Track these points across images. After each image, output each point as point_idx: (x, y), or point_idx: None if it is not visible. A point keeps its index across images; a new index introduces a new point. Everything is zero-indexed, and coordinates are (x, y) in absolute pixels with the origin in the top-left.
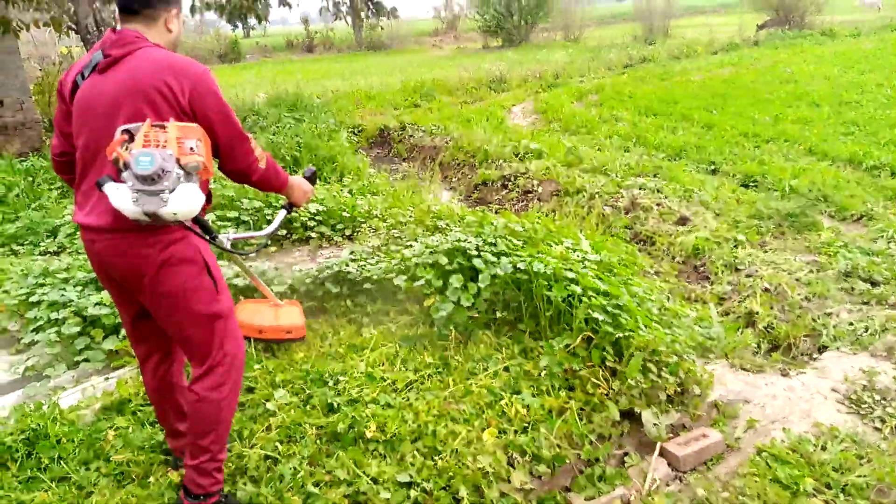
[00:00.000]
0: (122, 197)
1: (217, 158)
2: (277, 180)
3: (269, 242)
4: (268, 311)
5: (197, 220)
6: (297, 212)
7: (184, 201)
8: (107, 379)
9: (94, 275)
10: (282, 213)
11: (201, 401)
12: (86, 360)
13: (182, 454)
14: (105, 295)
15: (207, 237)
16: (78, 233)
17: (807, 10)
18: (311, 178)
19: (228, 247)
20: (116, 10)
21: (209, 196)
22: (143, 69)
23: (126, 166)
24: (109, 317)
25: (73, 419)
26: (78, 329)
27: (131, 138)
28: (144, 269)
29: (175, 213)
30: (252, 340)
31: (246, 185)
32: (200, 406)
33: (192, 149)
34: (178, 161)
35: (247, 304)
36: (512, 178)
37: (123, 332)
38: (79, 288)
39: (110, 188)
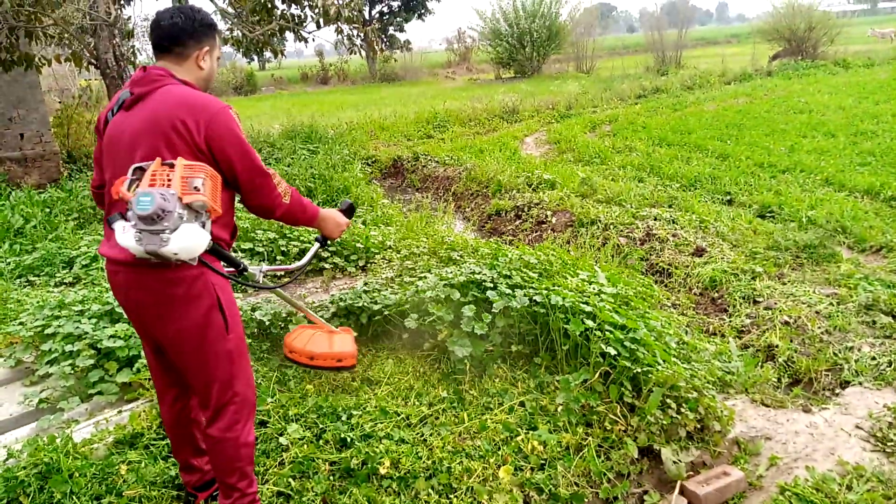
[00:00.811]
0: (127, 236)
1: (239, 194)
2: (304, 215)
3: (301, 275)
4: (321, 337)
5: (221, 254)
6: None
7: (185, 241)
8: (120, 412)
9: (108, 307)
10: (315, 247)
11: (218, 442)
12: (99, 392)
13: (194, 489)
14: (120, 327)
15: (236, 271)
16: (93, 264)
17: (819, 40)
18: (348, 211)
19: (261, 279)
20: (150, 46)
21: (234, 230)
22: (161, 107)
23: (129, 206)
24: (123, 349)
25: (86, 453)
26: (92, 362)
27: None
28: (158, 304)
29: (176, 254)
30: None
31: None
32: (219, 447)
33: (196, 188)
34: (180, 200)
35: (301, 329)
36: (525, 209)
37: (137, 364)
38: (94, 320)
39: (118, 226)
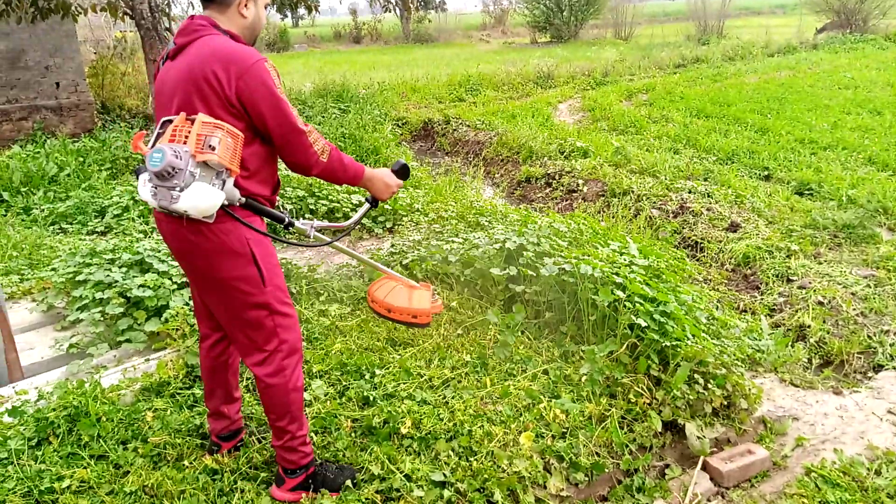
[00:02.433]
0: (145, 189)
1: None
2: (345, 174)
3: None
4: (402, 291)
5: (259, 209)
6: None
7: (194, 200)
8: (147, 360)
9: (139, 257)
10: (364, 207)
11: (268, 387)
12: (128, 340)
13: (219, 438)
14: (149, 277)
15: (282, 226)
16: (124, 214)
17: (870, 13)
18: (400, 172)
19: (312, 234)
20: None
21: (277, 185)
22: (196, 58)
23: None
24: (152, 299)
25: (114, 398)
26: (121, 310)
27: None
28: (194, 255)
29: (186, 211)
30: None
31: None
32: (269, 392)
33: (211, 146)
34: (194, 157)
35: (385, 280)
36: (556, 177)
37: (165, 314)
38: (124, 269)
39: (141, 178)
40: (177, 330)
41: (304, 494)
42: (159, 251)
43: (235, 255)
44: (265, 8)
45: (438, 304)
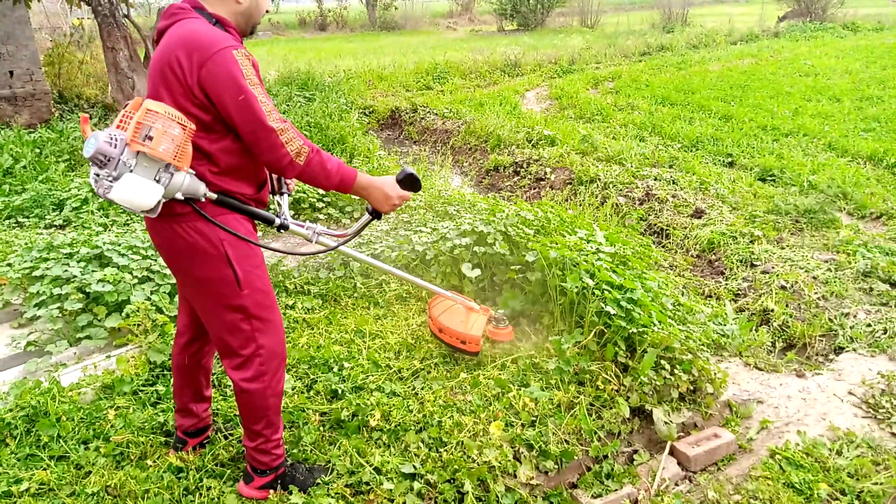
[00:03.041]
0: (91, 176)
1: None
2: (328, 180)
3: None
4: (457, 313)
5: (237, 208)
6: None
7: (125, 192)
8: (108, 357)
9: (97, 251)
10: (364, 218)
11: (244, 392)
12: (88, 337)
13: (185, 434)
14: (109, 272)
15: (273, 227)
16: (83, 207)
17: (829, 2)
18: (406, 182)
19: (315, 240)
20: None
21: (263, 183)
22: (168, 43)
23: None
24: (112, 294)
25: (74, 397)
26: (81, 306)
27: None
28: (169, 252)
29: (119, 202)
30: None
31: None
32: (243, 397)
33: (149, 136)
34: (128, 146)
35: (442, 299)
36: (524, 165)
37: (126, 310)
38: (82, 264)
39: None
40: (138, 325)
41: (270, 492)
42: (119, 245)
43: (207, 255)
44: None
45: (507, 331)
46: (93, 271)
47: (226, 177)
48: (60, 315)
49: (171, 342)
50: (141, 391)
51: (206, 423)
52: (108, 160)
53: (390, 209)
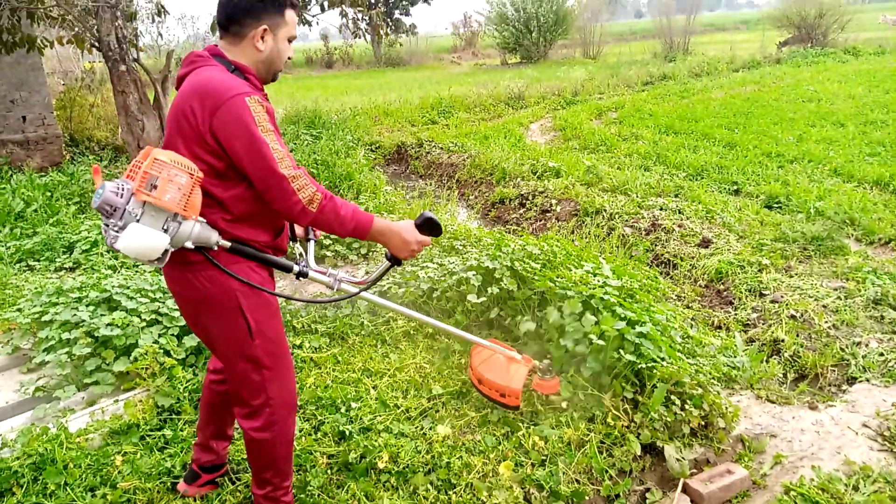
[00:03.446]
0: (102, 226)
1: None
2: (342, 227)
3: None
4: (497, 364)
5: (252, 256)
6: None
7: (130, 241)
8: (116, 402)
9: (106, 294)
10: (383, 265)
11: (253, 441)
12: (96, 382)
13: (201, 468)
14: (117, 315)
15: (294, 275)
16: (93, 249)
17: (829, 27)
18: (425, 226)
19: (336, 287)
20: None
21: (280, 230)
22: (184, 91)
23: None
24: (121, 338)
25: (81, 443)
26: (89, 350)
27: None
28: (186, 301)
29: (124, 252)
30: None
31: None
32: (253, 445)
33: (154, 186)
34: (134, 196)
35: (482, 348)
36: (530, 197)
37: (134, 353)
38: (91, 308)
39: None
40: (146, 369)
41: None
42: (128, 288)
43: (220, 304)
44: (288, 42)
45: (553, 382)
46: (101, 315)
47: (239, 224)
48: (69, 360)
49: (179, 385)
50: (148, 436)
51: (223, 461)
52: (115, 210)
53: (409, 256)
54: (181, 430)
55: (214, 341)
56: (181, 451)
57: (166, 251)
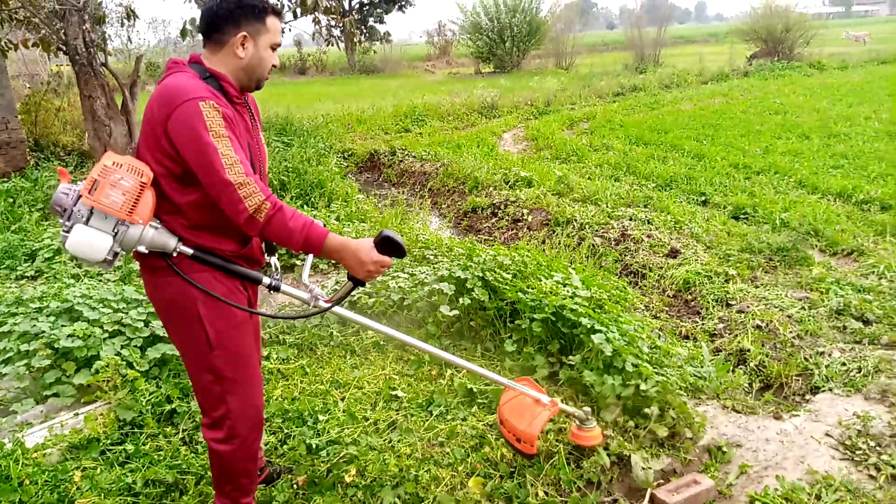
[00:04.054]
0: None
1: None
2: (291, 240)
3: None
4: (522, 407)
5: (216, 265)
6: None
7: (74, 241)
8: (76, 415)
9: (67, 304)
10: (346, 285)
11: (214, 453)
12: (55, 394)
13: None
14: (78, 326)
15: (266, 287)
16: (56, 257)
17: (795, 41)
18: (384, 245)
19: (313, 303)
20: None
21: (247, 239)
22: (151, 97)
23: None
24: (82, 349)
25: (39, 459)
26: (49, 362)
27: None
28: (154, 304)
29: (71, 251)
30: None
31: None
32: (214, 457)
33: (92, 188)
34: (80, 198)
35: (521, 382)
36: (502, 206)
37: (95, 365)
38: (52, 318)
39: None
40: (108, 381)
41: None
42: (90, 298)
43: (180, 311)
44: (271, 49)
45: (595, 433)
46: (62, 326)
47: (200, 232)
48: (27, 372)
49: (142, 398)
50: (109, 451)
51: (262, 464)
52: (64, 210)
53: (366, 277)
54: (143, 445)
55: (178, 347)
56: (143, 466)
57: (116, 254)
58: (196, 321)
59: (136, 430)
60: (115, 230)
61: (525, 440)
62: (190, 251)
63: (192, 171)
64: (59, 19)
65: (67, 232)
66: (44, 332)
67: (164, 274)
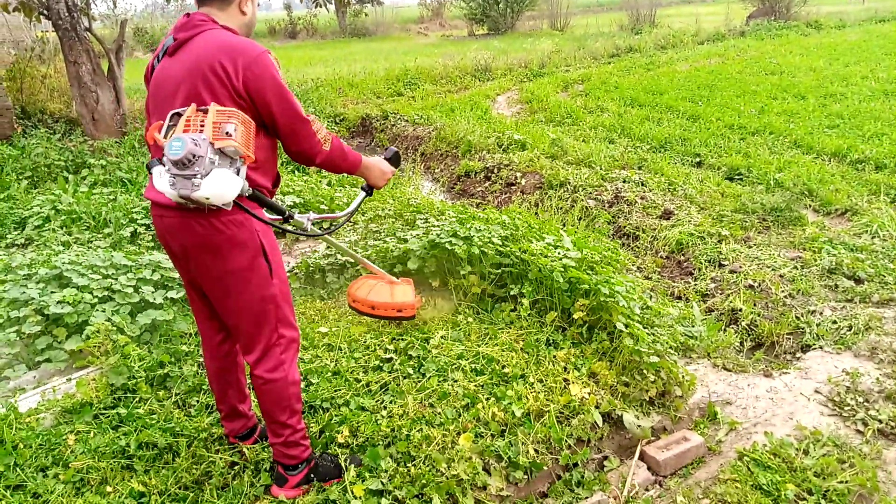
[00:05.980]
0: (162, 181)
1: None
2: (345, 162)
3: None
4: (383, 288)
5: (263, 201)
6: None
7: (216, 186)
8: (68, 380)
9: (57, 271)
10: (360, 196)
11: (267, 383)
12: (47, 360)
13: (239, 437)
14: (68, 292)
15: (281, 218)
16: (45, 225)
17: (792, 0)
18: (393, 160)
19: (309, 227)
20: None
21: (277, 178)
22: (203, 51)
23: (164, 152)
24: (72, 315)
25: (32, 423)
26: (39, 328)
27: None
28: (203, 248)
29: (208, 198)
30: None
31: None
32: (267, 388)
33: (228, 133)
34: (212, 145)
35: (364, 279)
36: (495, 170)
37: (87, 331)
38: (41, 285)
39: (156, 171)
40: (99, 347)
41: (304, 488)
42: (79, 264)
43: (245, 247)
44: (257, 5)
45: (419, 299)
46: (52, 292)
47: (258, 171)
48: (18, 338)
49: (133, 364)
50: (102, 414)
51: (255, 422)
52: (197, 159)
53: (385, 183)
54: (136, 409)
55: (234, 285)
56: (136, 430)
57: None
58: (260, 254)
59: (128, 394)
60: (237, 170)
61: (405, 308)
62: (251, 190)
63: (271, 114)
64: None
65: (203, 178)
66: (33, 298)
67: (227, 213)
